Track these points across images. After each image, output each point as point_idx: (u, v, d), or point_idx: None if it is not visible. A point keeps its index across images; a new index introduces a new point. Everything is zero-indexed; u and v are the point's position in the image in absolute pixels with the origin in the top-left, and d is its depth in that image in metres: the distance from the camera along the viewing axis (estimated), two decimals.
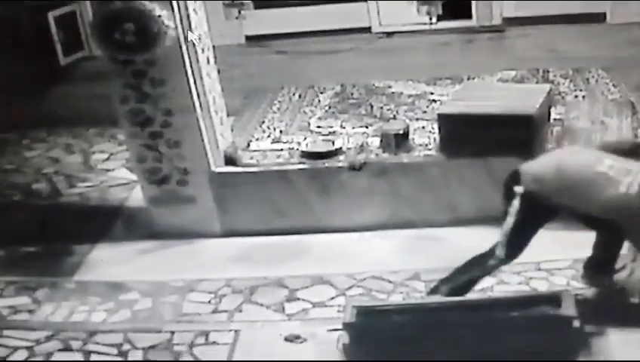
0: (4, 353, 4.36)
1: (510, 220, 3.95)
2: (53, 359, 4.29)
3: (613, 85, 6.06)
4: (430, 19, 6.77)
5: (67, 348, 4.37)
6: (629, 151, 4.31)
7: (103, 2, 4.90)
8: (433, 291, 4.23)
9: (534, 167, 4.00)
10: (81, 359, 4.26)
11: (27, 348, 4.38)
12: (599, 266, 4.31)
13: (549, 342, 3.74)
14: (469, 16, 7.13)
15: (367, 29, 7.26)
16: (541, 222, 4.00)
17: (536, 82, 6.24)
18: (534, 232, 4.00)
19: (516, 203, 3.94)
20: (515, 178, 3.98)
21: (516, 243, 3.98)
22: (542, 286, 4.42)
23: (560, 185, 3.86)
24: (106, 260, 5.26)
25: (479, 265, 4.09)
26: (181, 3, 4.97)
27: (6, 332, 4.55)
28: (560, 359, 3.74)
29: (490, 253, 4.03)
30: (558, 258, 4.59)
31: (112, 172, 6.60)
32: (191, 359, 4.18)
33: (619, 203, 3.72)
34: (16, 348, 4.39)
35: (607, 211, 3.80)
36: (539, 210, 3.94)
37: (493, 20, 7.03)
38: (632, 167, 3.81)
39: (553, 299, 3.86)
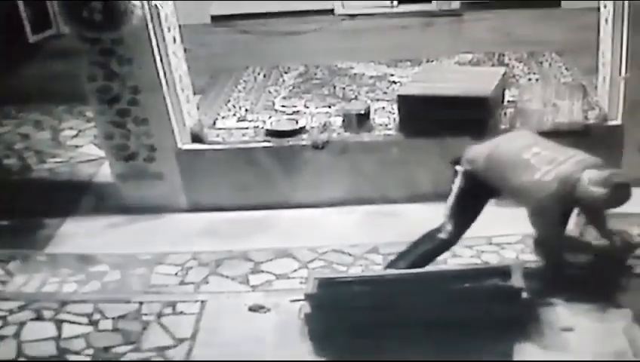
0: None
1: (452, 196, 4.23)
2: (25, 327, 4.32)
3: (566, 68, 6.14)
4: (392, 2, 6.81)
5: (39, 318, 4.39)
6: (579, 133, 4.49)
7: None
8: (391, 265, 4.33)
9: (473, 150, 4.24)
10: (54, 327, 4.30)
11: (1, 317, 4.39)
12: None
13: (500, 312, 3.85)
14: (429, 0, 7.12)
15: (331, 11, 7.21)
16: (479, 198, 4.23)
17: (492, 65, 6.31)
18: (476, 207, 4.22)
19: (457, 180, 4.22)
20: (458, 159, 4.25)
21: (460, 217, 4.20)
22: (493, 260, 4.53)
23: (487, 167, 4.12)
24: (76, 233, 5.26)
25: (431, 239, 4.26)
26: None
27: None
28: (509, 328, 3.84)
29: (441, 227, 4.23)
30: (508, 233, 4.69)
31: (81, 148, 6.57)
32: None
33: (527, 189, 3.94)
34: None
35: (516, 194, 4.05)
36: (475, 188, 4.20)
37: (452, 5, 7.01)
38: (559, 157, 3.96)
39: (503, 271, 3.98)
